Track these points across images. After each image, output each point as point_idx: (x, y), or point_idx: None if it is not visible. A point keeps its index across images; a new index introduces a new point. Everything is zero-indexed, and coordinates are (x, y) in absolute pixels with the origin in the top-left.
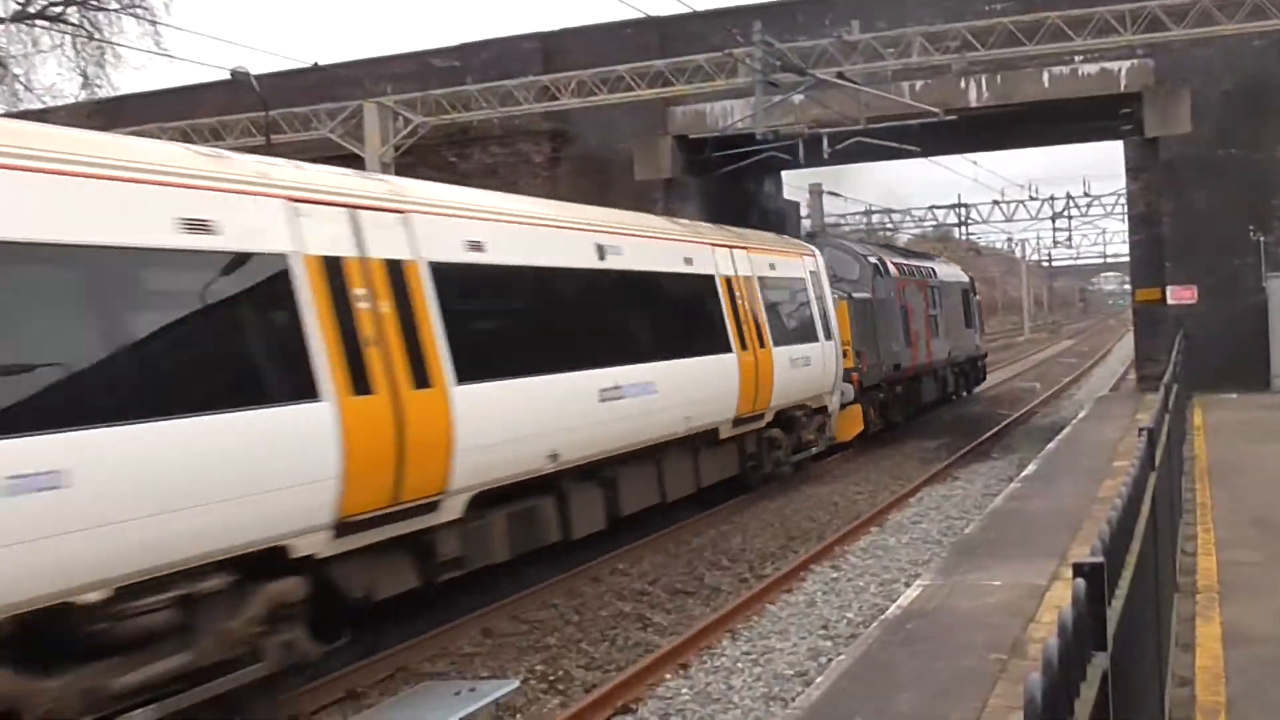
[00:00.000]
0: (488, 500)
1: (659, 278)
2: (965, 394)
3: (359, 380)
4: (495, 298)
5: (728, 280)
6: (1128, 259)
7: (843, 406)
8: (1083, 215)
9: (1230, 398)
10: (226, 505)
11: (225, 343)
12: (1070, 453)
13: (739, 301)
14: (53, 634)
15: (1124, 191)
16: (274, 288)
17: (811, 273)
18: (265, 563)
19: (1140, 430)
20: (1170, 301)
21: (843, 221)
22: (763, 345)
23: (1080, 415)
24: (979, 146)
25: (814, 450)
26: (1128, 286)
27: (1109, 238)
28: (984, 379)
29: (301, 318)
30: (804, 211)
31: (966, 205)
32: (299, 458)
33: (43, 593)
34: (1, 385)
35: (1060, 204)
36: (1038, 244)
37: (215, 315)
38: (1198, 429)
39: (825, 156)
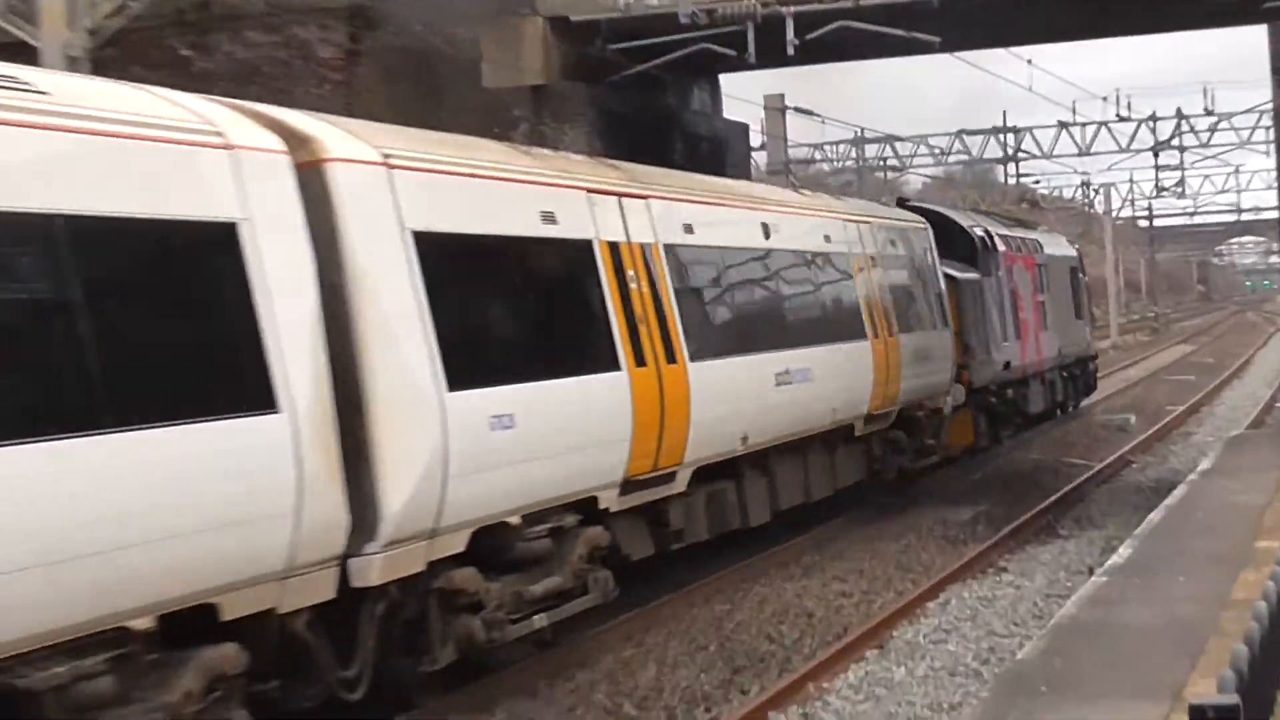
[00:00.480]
0: (696, 478)
1: (808, 256)
2: (1073, 407)
3: (638, 353)
4: (702, 278)
5: (858, 258)
6: (1274, 215)
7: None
8: (1203, 145)
9: None
10: (578, 454)
11: (575, 321)
12: (1185, 528)
13: (869, 282)
14: (492, 548)
15: (1270, 106)
16: (588, 271)
17: (924, 249)
18: (584, 510)
19: None
20: None
21: (818, 156)
22: (890, 333)
23: (1201, 467)
24: (1035, 37)
25: (934, 458)
26: (1276, 260)
27: (1245, 180)
28: (1095, 387)
29: (605, 297)
30: (757, 139)
31: (1016, 129)
32: (609, 420)
33: (500, 510)
34: (483, 347)
35: (1167, 127)
36: (1131, 192)
37: (570, 296)
38: None
39: (790, 51)
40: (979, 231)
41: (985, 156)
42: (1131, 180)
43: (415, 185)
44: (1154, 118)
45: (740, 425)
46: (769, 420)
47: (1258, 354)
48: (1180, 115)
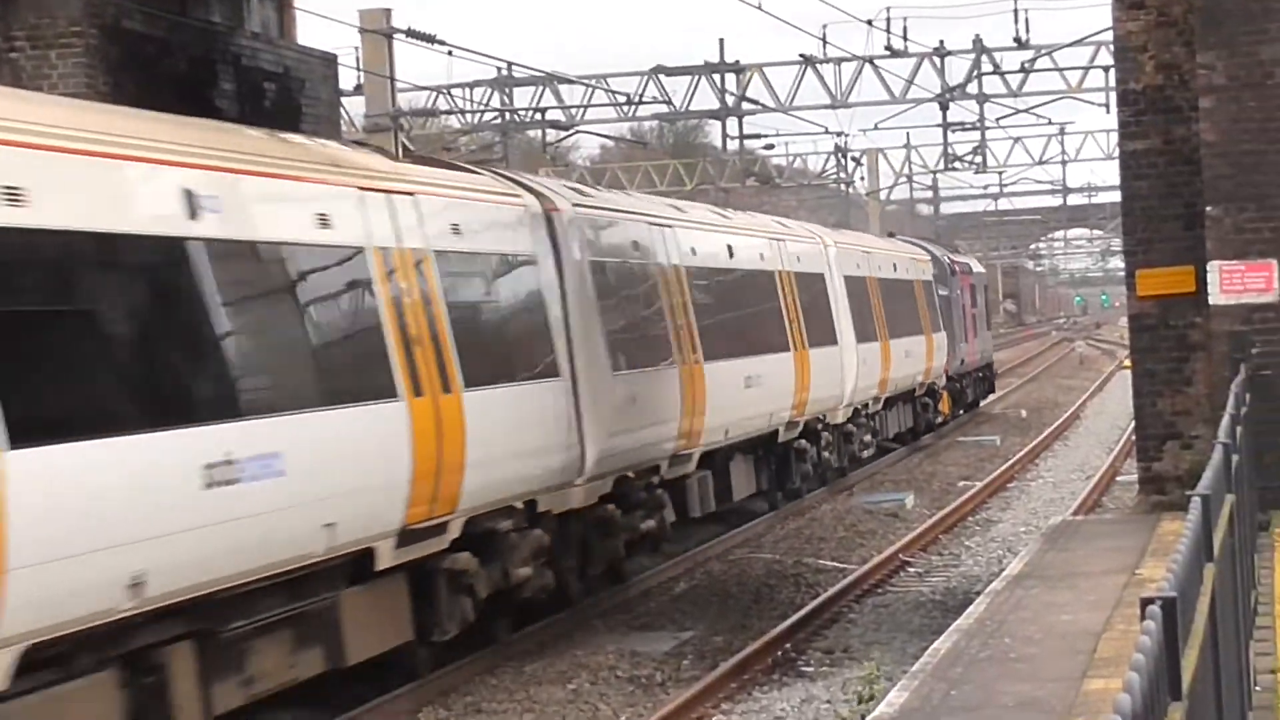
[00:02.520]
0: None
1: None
2: (972, 409)
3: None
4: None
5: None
6: (1115, 198)
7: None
8: (1013, 93)
9: None
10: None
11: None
12: (985, 662)
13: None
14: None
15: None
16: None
17: (936, 275)
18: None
19: (1144, 605)
20: (1218, 298)
21: (445, 104)
22: (935, 331)
23: (1009, 570)
24: None
25: (942, 417)
26: (1117, 263)
27: (1075, 146)
28: (994, 389)
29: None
30: (351, 79)
31: (740, 67)
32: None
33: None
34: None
35: (960, 66)
36: (907, 163)
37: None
38: None
39: None
40: (946, 258)
41: (693, 108)
42: (909, 145)
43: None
44: (941, 51)
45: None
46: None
47: (1090, 402)
48: (980, 48)
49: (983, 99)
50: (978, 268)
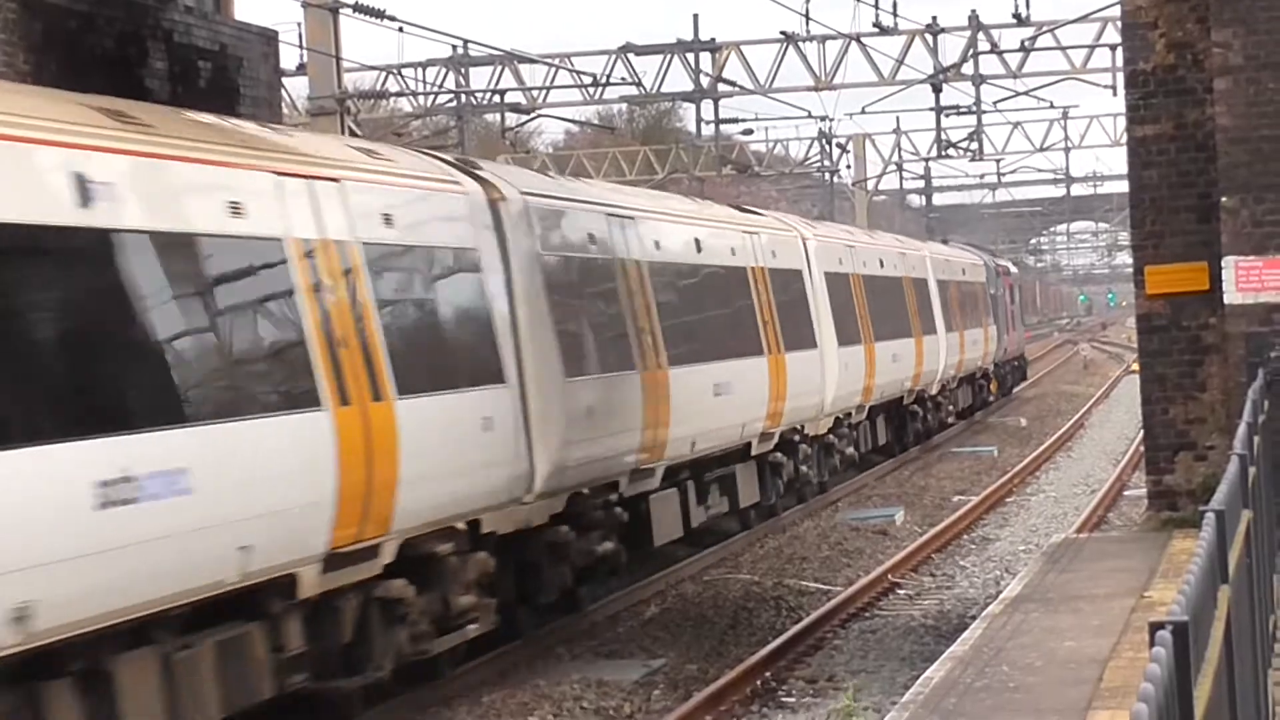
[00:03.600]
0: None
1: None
2: (1013, 389)
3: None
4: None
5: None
6: (1122, 188)
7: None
8: (1013, 73)
9: None
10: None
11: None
12: (981, 693)
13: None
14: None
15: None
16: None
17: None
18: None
19: (1153, 630)
20: (1234, 296)
21: (396, 85)
22: (978, 326)
23: (1008, 593)
24: None
25: (993, 396)
26: (1125, 259)
27: (1079, 131)
28: (1026, 377)
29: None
30: (293, 57)
31: (715, 46)
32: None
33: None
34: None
35: (955, 45)
36: (897, 150)
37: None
38: None
39: None
40: (993, 262)
41: (665, 90)
42: (899, 130)
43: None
44: (934, 29)
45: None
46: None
47: (1095, 409)
48: (976, 25)
49: (979, 80)
50: (1013, 269)
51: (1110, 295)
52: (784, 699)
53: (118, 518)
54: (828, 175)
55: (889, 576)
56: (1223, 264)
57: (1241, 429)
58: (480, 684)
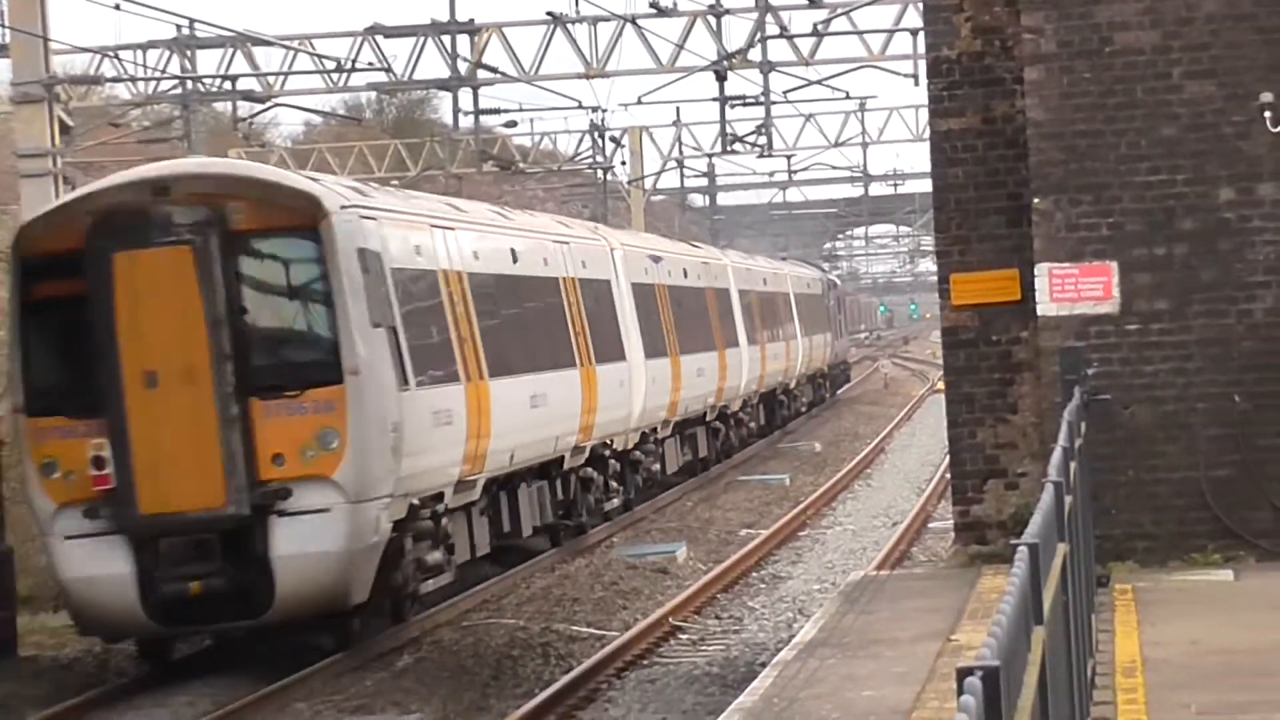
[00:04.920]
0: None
1: None
2: (834, 393)
3: None
4: None
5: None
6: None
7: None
8: (805, 60)
9: (1216, 578)
10: None
11: None
12: None
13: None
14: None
15: None
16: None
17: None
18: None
19: (961, 677)
20: (1048, 308)
21: (105, 67)
22: (816, 334)
23: (802, 636)
24: None
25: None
26: (929, 266)
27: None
28: (849, 380)
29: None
30: (0, 37)
31: (474, 27)
32: None
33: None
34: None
35: (740, 28)
36: (677, 144)
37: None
38: (1128, 671)
39: None
40: (829, 276)
41: (418, 77)
42: (679, 123)
43: None
44: (718, 11)
45: None
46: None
47: (897, 433)
48: (764, 7)
49: (767, 68)
50: (838, 281)
51: (913, 306)
52: None
53: (536, 413)
54: (600, 172)
55: (669, 619)
56: (1035, 272)
57: (1057, 454)
58: None
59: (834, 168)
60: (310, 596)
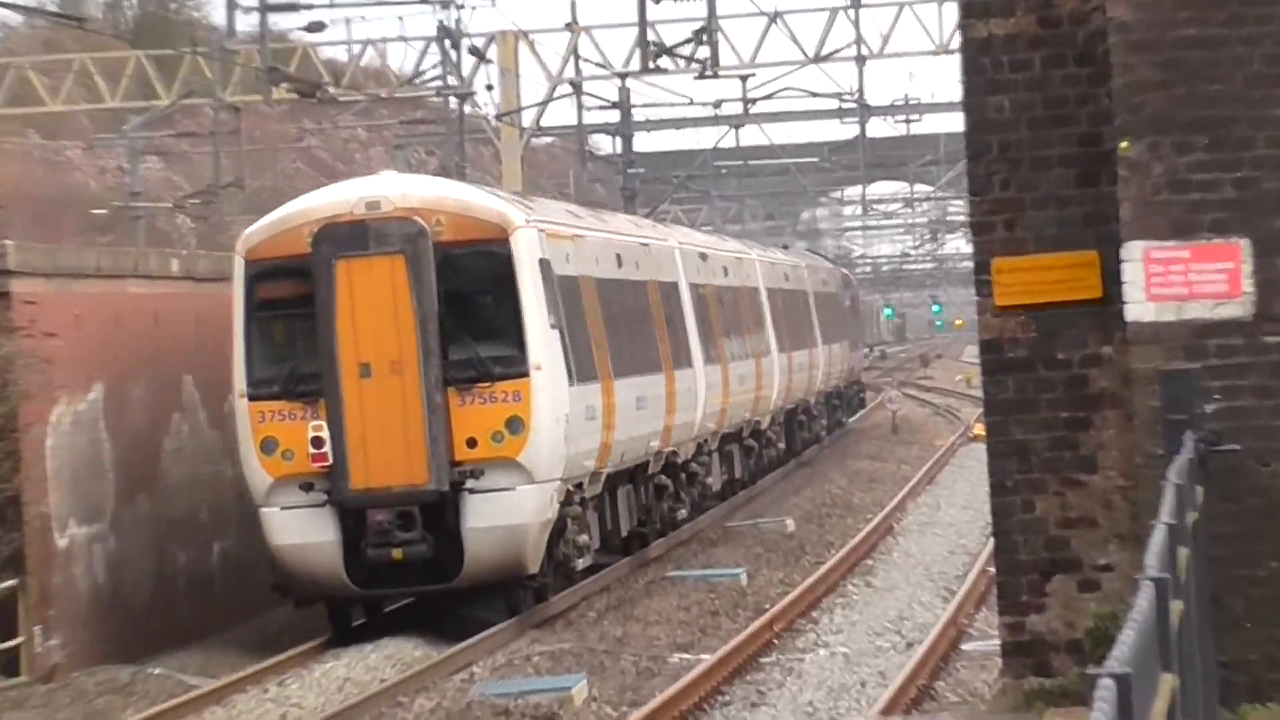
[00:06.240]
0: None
1: None
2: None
3: None
4: None
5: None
6: (951, 126)
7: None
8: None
9: None
10: None
11: None
12: None
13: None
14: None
15: None
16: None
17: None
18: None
19: None
20: (1142, 307)
21: None
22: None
23: None
24: None
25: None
26: (958, 248)
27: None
28: (863, 403)
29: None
30: None
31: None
32: None
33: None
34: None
35: None
36: (572, 55)
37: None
38: None
39: None
40: (845, 273)
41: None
42: (575, 26)
43: None
44: None
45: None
46: None
47: (912, 503)
48: None
49: None
50: (853, 278)
51: (936, 307)
52: None
53: (640, 414)
54: (454, 101)
55: None
56: (1123, 254)
57: (1158, 535)
58: None
59: (814, 94)
60: (494, 564)
